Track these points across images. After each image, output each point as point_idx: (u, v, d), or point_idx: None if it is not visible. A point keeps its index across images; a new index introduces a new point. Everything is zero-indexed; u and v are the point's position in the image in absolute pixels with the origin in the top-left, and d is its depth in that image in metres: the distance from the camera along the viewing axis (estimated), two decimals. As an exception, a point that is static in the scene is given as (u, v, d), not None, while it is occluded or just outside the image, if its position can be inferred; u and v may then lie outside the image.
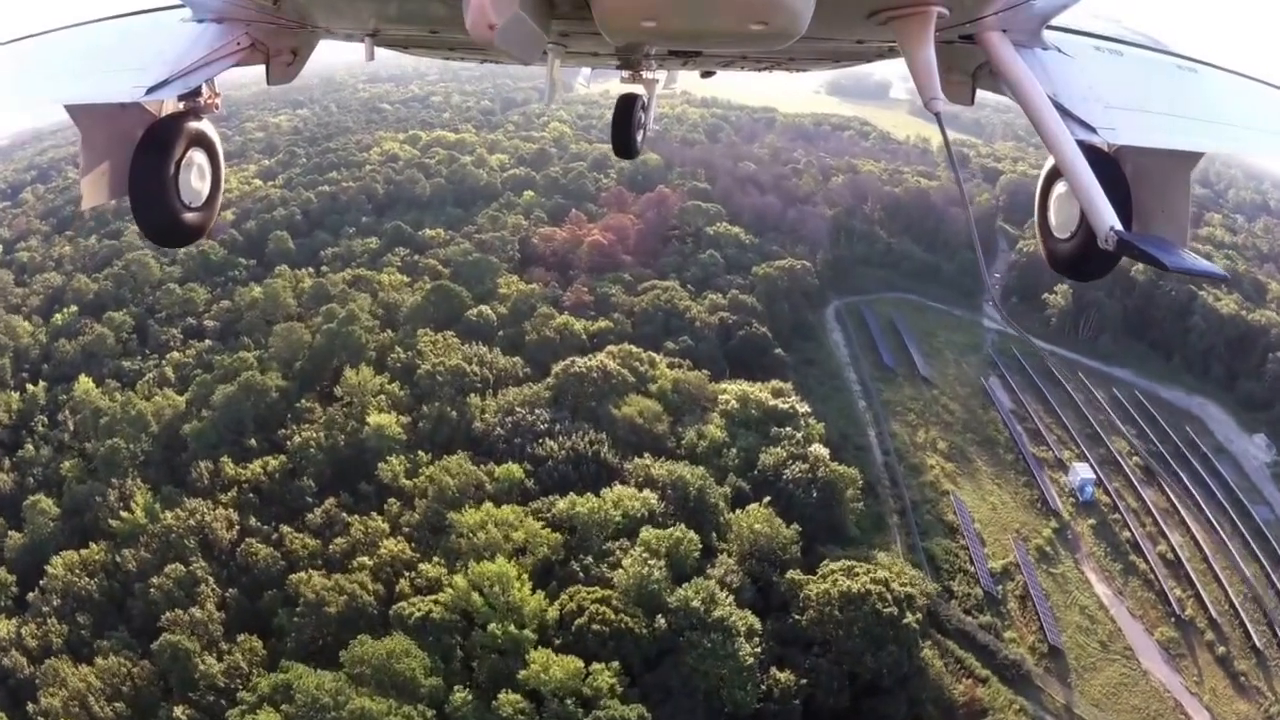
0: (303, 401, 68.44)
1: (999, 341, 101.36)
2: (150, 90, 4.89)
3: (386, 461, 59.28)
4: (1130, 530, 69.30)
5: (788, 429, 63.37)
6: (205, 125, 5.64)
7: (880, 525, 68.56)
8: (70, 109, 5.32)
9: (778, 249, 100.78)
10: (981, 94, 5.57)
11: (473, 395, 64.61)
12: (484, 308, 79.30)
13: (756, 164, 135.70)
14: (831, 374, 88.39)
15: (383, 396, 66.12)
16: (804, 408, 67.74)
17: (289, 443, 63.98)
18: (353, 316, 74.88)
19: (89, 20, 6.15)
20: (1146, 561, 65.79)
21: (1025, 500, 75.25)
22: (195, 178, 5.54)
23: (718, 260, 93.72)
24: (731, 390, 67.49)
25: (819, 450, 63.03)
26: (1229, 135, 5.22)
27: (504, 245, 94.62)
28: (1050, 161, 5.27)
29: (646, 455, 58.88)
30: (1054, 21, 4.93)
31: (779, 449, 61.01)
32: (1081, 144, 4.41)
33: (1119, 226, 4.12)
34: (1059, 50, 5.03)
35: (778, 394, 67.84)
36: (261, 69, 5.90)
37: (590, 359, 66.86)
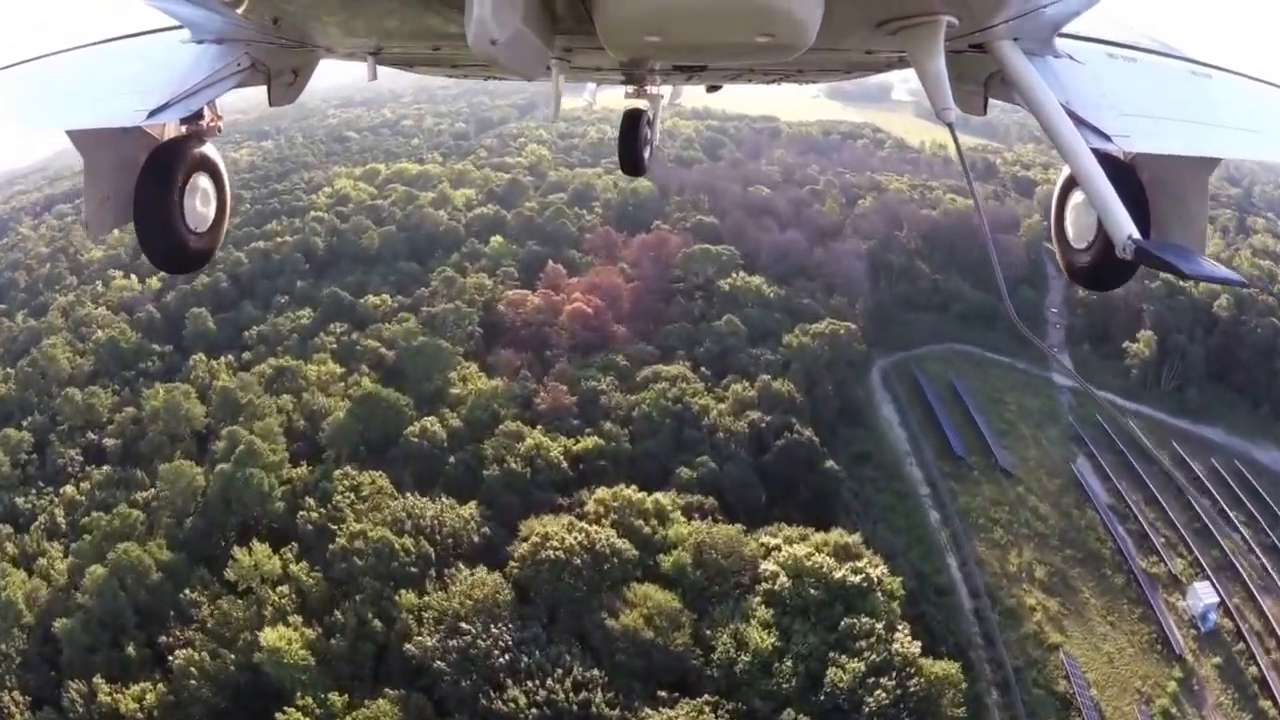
0: (188, 591, 48.08)
1: (1078, 404, 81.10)
2: (152, 114, 4.59)
3: (285, 713, 38.76)
4: (1257, 663, 53.64)
5: (863, 619, 42.73)
6: (209, 148, 5.38)
7: (978, 710, 49.12)
8: (72, 134, 4.96)
9: (809, 302, 79.62)
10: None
11: (404, 591, 43.63)
12: (430, 421, 58.35)
13: (768, 186, 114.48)
14: (890, 471, 67.79)
15: (285, 589, 45.41)
16: (879, 569, 47.08)
17: (172, 659, 43.96)
18: (252, 453, 54.09)
19: (87, 44, 5.82)
20: (1276, 704, 50.89)
21: (1144, 641, 56.75)
22: (200, 202, 5.26)
23: (738, 327, 72.56)
24: (778, 555, 46.61)
25: (907, 646, 42.78)
26: (1246, 140, 4.95)
27: (460, 320, 73.37)
28: (1066, 171, 5.05)
29: (663, 700, 38.21)
30: (1066, 29, 4.57)
31: (856, 661, 40.43)
32: (1097, 152, 4.00)
33: (1137, 235, 3.74)
34: (1071, 58, 4.72)
35: (843, 554, 47.00)
36: (263, 90, 5.59)
37: (570, 530, 45.20)
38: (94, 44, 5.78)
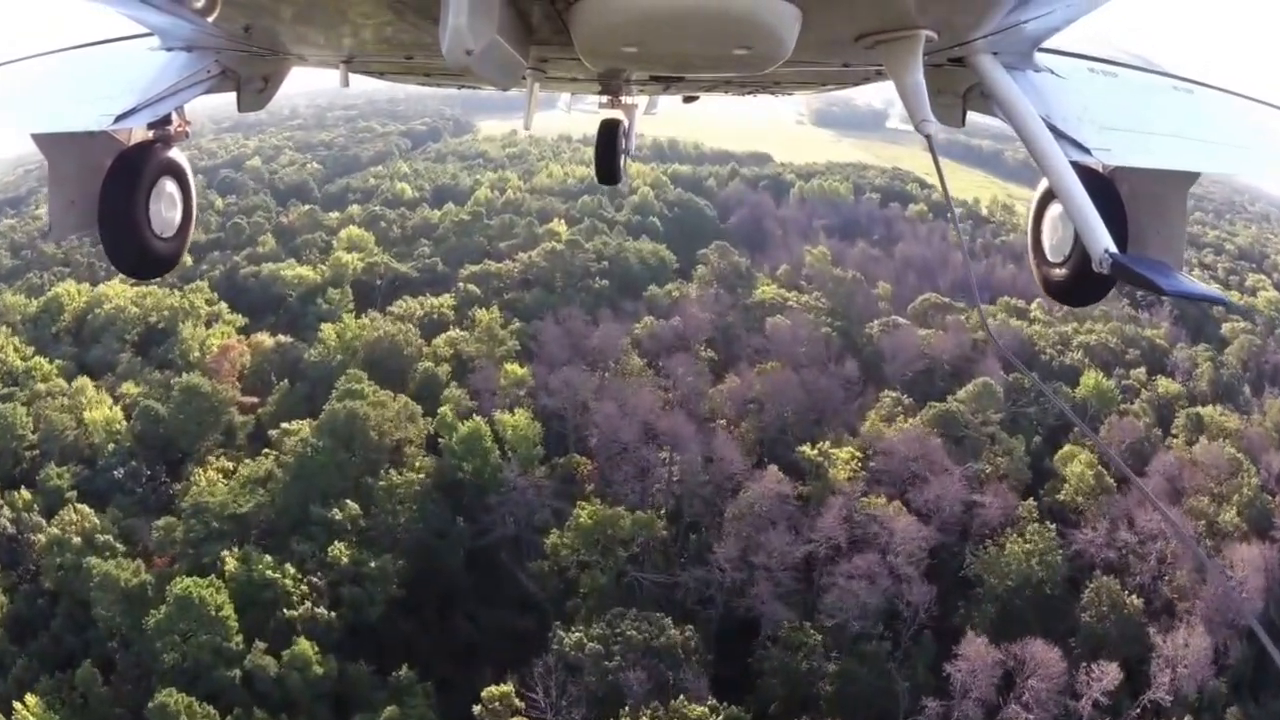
0: None
1: None
2: (119, 118, 3.98)
3: None
4: None
5: None
6: (176, 153, 4.72)
7: None
8: (37, 138, 4.38)
9: None
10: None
11: None
12: None
13: (827, 394, 43.21)
14: None
15: None
16: None
17: None
18: None
19: (54, 50, 5.02)
20: None
21: None
22: (166, 207, 4.61)
23: None
24: None
25: None
26: (1226, 156, 4.39)
27: None
28: (1044, 184, 4.27)
29: None
30: (1046, 44, 3.96)
31: None
32: (1076, 166, 3.54)
33: (1114, 249, 3.32)
34: (1052, 72, 4.09)
35: None
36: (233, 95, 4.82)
37: None
38: (60, 50, 4.90)
